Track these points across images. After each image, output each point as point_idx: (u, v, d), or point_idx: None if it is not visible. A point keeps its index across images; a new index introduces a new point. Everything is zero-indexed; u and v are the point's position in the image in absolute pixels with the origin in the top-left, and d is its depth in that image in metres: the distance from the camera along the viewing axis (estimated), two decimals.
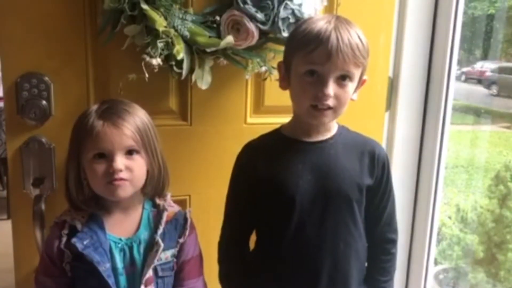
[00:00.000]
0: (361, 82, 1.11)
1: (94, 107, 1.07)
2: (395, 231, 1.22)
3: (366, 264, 1.22)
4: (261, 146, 1.17)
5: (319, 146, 1.12)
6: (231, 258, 1.21)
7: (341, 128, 1.17)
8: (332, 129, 1.15)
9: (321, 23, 1.05)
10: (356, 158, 1.13)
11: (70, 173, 1.07)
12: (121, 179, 1.03)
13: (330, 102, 1.04)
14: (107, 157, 1.03)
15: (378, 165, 1.14)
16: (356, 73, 1.05)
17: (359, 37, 1.04)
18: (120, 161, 1.03)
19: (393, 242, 1.22)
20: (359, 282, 1.18)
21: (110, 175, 1.02)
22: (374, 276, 1.21)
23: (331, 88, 1.03)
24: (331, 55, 1.01)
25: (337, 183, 1.10)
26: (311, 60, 1.04)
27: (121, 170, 1.02)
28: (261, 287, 1.17)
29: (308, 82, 1.05)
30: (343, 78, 1.04)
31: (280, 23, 1.24)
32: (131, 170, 1.04)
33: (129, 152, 1.05)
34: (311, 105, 1.05)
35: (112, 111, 1.05)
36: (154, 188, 1.12)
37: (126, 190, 1.05)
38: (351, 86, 1.06)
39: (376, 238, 1.20)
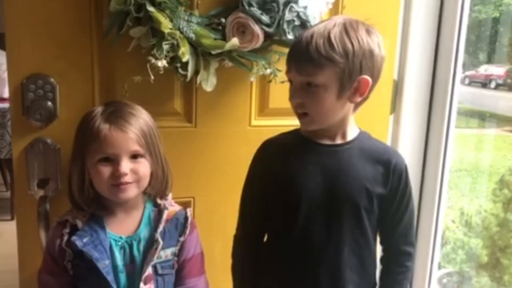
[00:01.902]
0: (358, 83, 1.04)
1: (99, 109, 1.08)
2: (411, 244, 1.19)
3: (378, 273, 1.21)
4: (278, 143, 1.18)
5: (334, 150, 1.12)
6: (243, 252, 1.21)
7: (362, 134, 1.15)
8: (348, 133, 1.13)
9: (307, 30, 1.07)
10: (370, 166, 1.11)
11: (73, 174, 1.08)
12: (127, 182, 1.04)
13: (300, 109, 1.06)
14: (112, 160, 1.04)
15: (394, 175, 1.12)
16: (322, 78, 1.01)
17: (328, 40, 1.00)
18: (126, 165, 1.04)
19: (409, 255, 1.19)
20: None
21: (116, 178, 1.04)
22: (386, 286, 1.20)
23: (298, 95, 1.04)
24: (289, 63, 1.05)
25: (346, 188, 1.09)
26: (286, 68, 1.08)
27: (126, 174, 1.04)
28: (266, 284, 1.18)
29: (289, 89, 1.08)
30: (308, 85, 1.03)
31: (285, 26, 1.25)
32: (136, 172, 1.06)
33: (134, 156, 1.06)
34: (294, 111, 1.09)
35: (118, 114, 1.06)
36: (157, 189, 1.14)
37: (131, 192, 1.07)
38: (322, 91, 1.02)
39: (391, 249, 1.19)
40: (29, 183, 1.27)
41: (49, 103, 1.25)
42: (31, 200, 1.26)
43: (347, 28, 1.03)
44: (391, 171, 1.12)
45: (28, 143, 1.26)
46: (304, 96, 1.04)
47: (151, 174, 1.10)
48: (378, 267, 1.22)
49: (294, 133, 1.18)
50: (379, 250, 1.21)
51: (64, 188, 1.27)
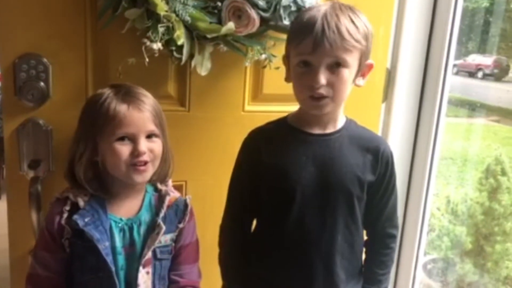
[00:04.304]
0: (366, 67, 1.10)
1: (109, 91, 1.07)
2: (395, 226, 1.23)
3: (363, 257, 1.23)
4: (267, 133, 1.17)
5: (324, 139, 1.13)
6: (231, 242, 1.22)
7: (349, 122, 1.17)
8: (338, 122, 1.14)
9: (311, 12, 1.05)
10: (360, 154, 1.13)
11: (80, 156, 1.07)
12: (145, 161, 1.06)
13: (324, 90, 1.04)
14: (130, 139, 1.05)
15: (382, 162, 1.14)
16: (350, 58, 1.03)
17: (352, 21, 1.03)
18: (144, 143, 1.05)
19: (393, 237, 1.22)
20: (352, 274, 1.19)
21: (135, 158, 1.05)
22: (372, 268, 1.22)
23: (323, 77, 1.02)
24: (317, 43, 1.01)
25: (339, 177, 1.10)
26: (301, 50, 1.05)
27: (145, 153, 1.05)
28: (258, 274, 1.19)
29: (301, 73, 1.06)
30: (336, 65, 1.03)
31: (281, 11, 1.24)
32: (152, 151, 1.07)
33: (149, 136, 1.07)
34: (308, 95, 1.06)
35: (132, 95, 1.07)
36: (161, 172, 1.14)
37: (148, 175, 1.08)
38: (347, 72, 1.04)
39: (377, 232, 1.22)
40: (20, 163, 1.26)
41: (42, 84, 1.23)
42: (22, 180, 1.25)
43: (355, 12, 1.06)
44: (380, 158, 1.14)
45: (19, 123, 1.25)
46: (330, 77, 1.03)
47: (162, 154, 1.11)
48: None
49: (282, 122, 1.18)
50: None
51: (56, 169, 1.27)
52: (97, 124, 1.05)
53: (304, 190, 1.10)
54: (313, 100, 1.06)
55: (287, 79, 1.14)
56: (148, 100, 1.08)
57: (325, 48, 1.01)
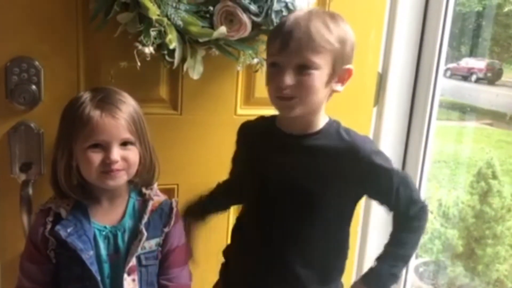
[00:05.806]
0: (343, 72, 1.07)
1: (87, 94, 1.05)
2: (417, 202, 1.12)
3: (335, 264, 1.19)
4: (253, 127, 1.20)
5: (303, 141, 1.10)
6: (216, 185, 1.32)
7: (330, 124, 1.12)
8: (316, 124, 1.11)
9: (288, 16, 1.06)
10: (338, 157, 1.08)
11: (59, 160, 1.05)
12: (117, 169, 1.03)
13: (290, 91, 1.02)
14: (103, 147, 1.03)
15: (362, 166, 1.07)
16: (319, 60, 1.01)
17: (325, 24, 1.02)
18: (117, 152, 1.03)
19: (418, 213, 1.12)
20: (316, 281, 1.14)
21: (106, 166, 1.02)
22: (400, 234, 1.14)
23: (288, 77, 1.01)
24: (283, 44, 1.01)
25: (307, 180, 1.08)
26: (271, 51, 1.06)
27: (117, 161, 1.03)
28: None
29: (271, 73, 1.06)
30: (304, 67, 1.01)
31: (273, 16, 1.25)
32: (126, 160, 1.05)
33: (124, 143, 1.05)
34: (276, 96, 1.05)
35: (108, 101, 1.04)
36: (144, 178, 1.13)
37: (121, 180, 1.06)
38: (315, 74, 1.02)
39: (401, 220, 1.14)
40: (11, 167, 1.26)
41: (33, 87, 1.23)
42: (14, 184, 1.25)
43: (335, 18, 1.05)
44: (360, 162, 1.07)
45: (11, 126, 1.24)
46: (297, 79, 1.02)
47: (139, 162, 1.09)
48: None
49: (270, 120, 1.17)
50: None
51: (47, 172, 1.26)
52: (72, 129, 1.03)
53: (269, 189, 1.11)
54: (281, 101, 1.05)
55: (266, 83, 1.12)
56: (125, 106, 1.05)
57: (291, 48, 1.01)
